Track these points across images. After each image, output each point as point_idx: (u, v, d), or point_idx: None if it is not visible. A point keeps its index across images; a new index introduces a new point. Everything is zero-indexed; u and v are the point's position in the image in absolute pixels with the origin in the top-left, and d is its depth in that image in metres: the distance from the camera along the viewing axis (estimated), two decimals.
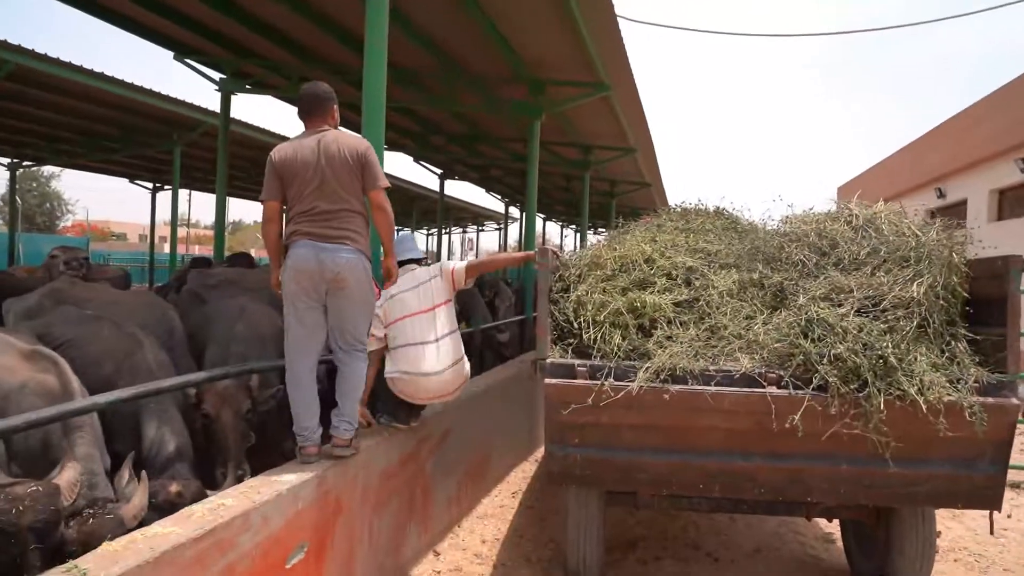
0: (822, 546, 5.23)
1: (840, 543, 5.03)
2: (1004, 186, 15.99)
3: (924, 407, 3.30)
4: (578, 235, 30.72)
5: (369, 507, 3.86)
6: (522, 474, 6.87)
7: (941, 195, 18.49)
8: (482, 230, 37.67)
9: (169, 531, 2.54)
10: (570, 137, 13.11)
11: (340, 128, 3.73)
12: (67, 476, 2.73)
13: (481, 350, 8.28)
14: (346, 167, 3.49)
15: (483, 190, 22.98)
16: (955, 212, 17.07)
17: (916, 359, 3.44)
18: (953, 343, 3.61)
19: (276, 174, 3.54)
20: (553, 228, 34.92)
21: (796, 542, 5.30)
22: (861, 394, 3.39)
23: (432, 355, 4.10)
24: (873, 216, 4.27)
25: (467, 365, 4.37)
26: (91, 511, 2.79)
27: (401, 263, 4.25)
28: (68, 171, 39.59)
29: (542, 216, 29.19)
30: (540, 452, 7.71)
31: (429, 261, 4.68)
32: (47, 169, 43.47)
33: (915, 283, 3.65)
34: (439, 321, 4.19)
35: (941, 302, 3.65)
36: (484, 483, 6.05)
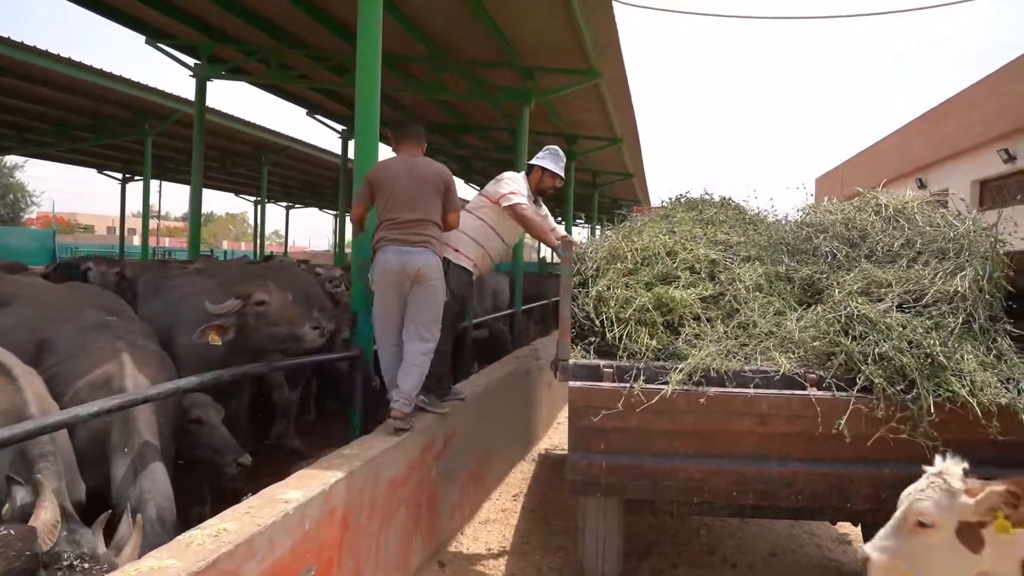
0: (839, 548, 5.05)
1: (857, 544, 4.85)
2: (986, 176, 16.03)
3: (977, 409, 3.10)
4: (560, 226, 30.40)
5: (377, 521, 3.58)
6: (521, 475, 6.61)
7: (922, 185, 18.49)
8: None
9: (167, 564, 2.24)
10: (556, 127, 12.83)
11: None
12: (44, 517, 2.38)
13: (479, 343, 8.00)
14: (433, 188, 4.26)
15: (462, 181, 22.56)
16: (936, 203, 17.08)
17: (964, 357, 3.24)
18: (999, 340, 3.42)
19: (370, 186, 4.30)
20: None
21: (812, 544, 5.11)
22: (908, 396, 3.18)
23: None
24: (904, 205, 4.07)
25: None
26: None
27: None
28: (33, 161, 38.54)
29: None
30: (537, 450, 7.47)
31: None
32: (10, 159, 42.19)
33: (958, 276, 3.45)
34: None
35: (986, 296, 3.45)
36: (485, 486, 5.78)
